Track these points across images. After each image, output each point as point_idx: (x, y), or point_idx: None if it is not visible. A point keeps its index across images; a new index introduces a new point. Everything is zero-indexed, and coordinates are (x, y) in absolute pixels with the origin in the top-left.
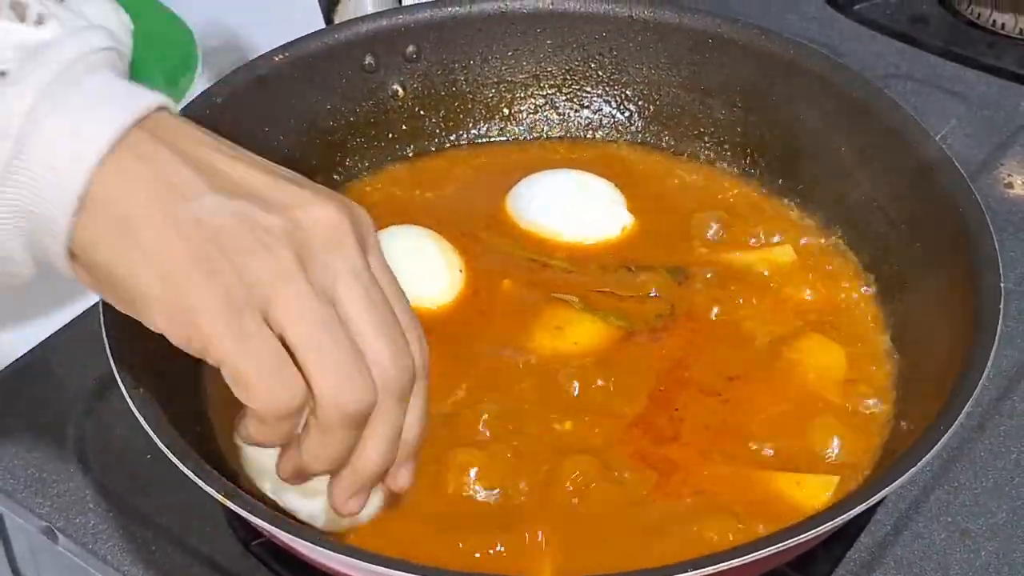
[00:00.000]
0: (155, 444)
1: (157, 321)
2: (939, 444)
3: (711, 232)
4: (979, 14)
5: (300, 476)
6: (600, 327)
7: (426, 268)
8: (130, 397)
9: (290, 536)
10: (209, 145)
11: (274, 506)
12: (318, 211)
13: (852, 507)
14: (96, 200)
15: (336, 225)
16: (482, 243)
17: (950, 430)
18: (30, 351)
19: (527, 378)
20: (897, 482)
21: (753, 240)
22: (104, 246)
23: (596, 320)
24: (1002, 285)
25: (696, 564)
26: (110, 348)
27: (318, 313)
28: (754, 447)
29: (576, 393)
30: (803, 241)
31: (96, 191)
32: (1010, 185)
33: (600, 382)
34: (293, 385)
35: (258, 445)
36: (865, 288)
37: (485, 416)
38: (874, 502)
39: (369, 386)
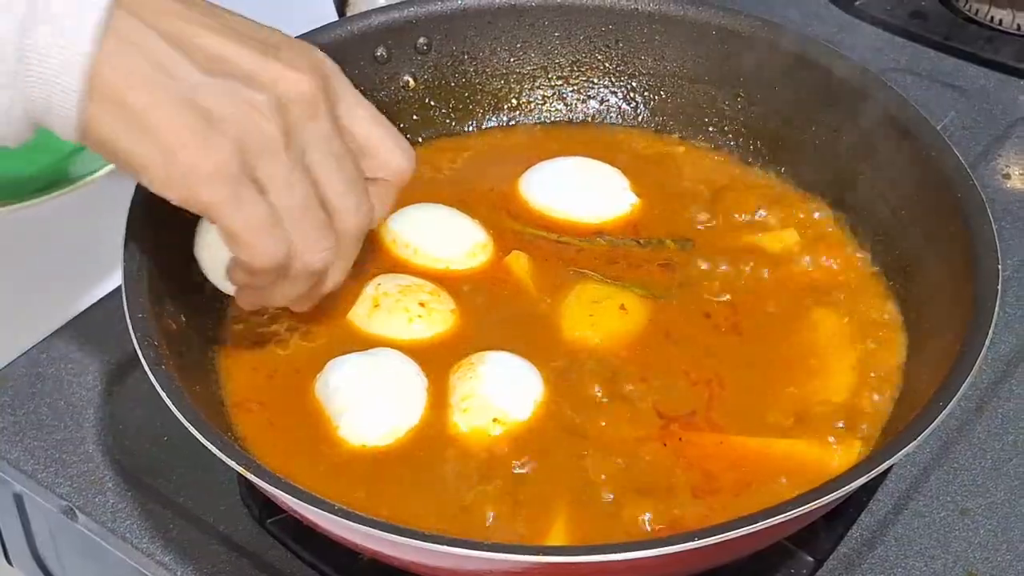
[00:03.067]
0: (172, 425)
1: (157, 187)
2: (935, 422)
3: (716, 215)
4: (977, 10)
5: (259, 306)
6: (623, 296)
7: (455, 233)
8: (153, 374)
9: (310, 508)
10: (185, 18)
11: None
12: (294, 84)
13: (836, 488)
14: (96, 88)
15: (311, 97)
16: (498, 223)
17: (948, 407)
18: (50, 335)
19: (556, 350)
20: (888, 462)
21: (758, 221)
22: (107, 126)
23: (619, 291)
24: (1000, 267)
25: (702, 534)
26: (133, 327)
27: (299, 185)
28: (772, 417)
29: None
30: (807, 224)
31: (95, 79)
32: (1007, 176)
33: (620, 346)
34: (280, 245)
35: (242, 290)
36: (869, 269)
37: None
38: (862, 482)
39: (332, 246)
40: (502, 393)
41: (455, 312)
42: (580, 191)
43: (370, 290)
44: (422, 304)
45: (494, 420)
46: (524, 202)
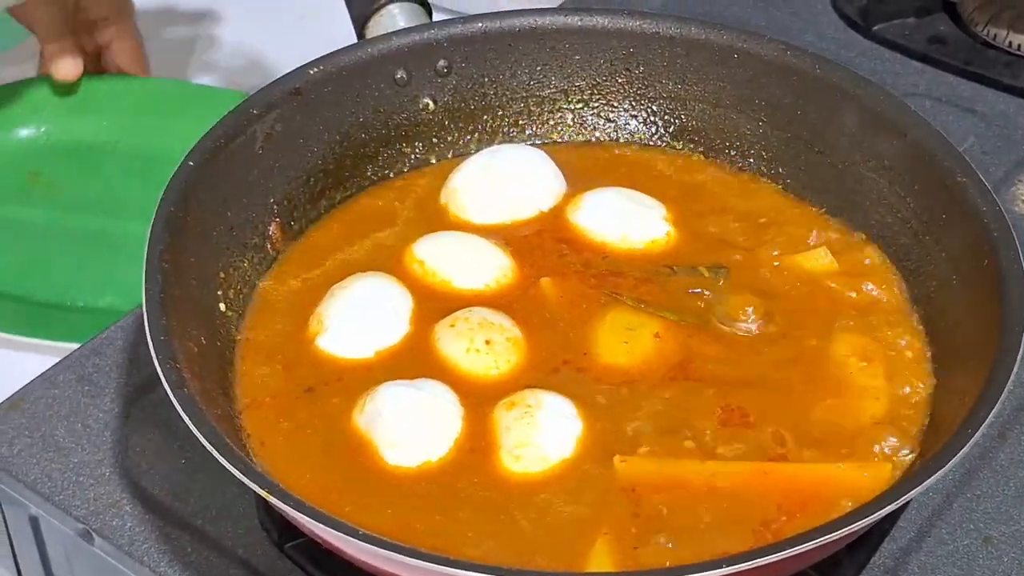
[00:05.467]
0: (190, 447)
1: None
2: (961, 453)
3: (747, 238)
4: (996, 35)
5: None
6: (656, 324)
7: (476, 258)
8: (175, 396)
9: (332, 532)
10: None
11: None
12: None
13: (858, 519)
14: None
15: None
16: (529, 244)
17: (974, 437)
18: (67, 357)
19: (592, 380)
20: (912, 492)
21: (789, 245)
22: None
23: (652, 318)
24: None
25: (722, 563)
26: (155, 349)
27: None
28: (806, 442)
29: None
30: (832, 248)
31: None
32: None
33: (653, 373)
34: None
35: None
36: (896, 293)
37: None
38: (886, 512)
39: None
40: (556, 443)
41: (511, 364)
42: (618, 217)
43: (461, 312)
44: (487, 342)
45: (541, 462)
46: (568, 226)
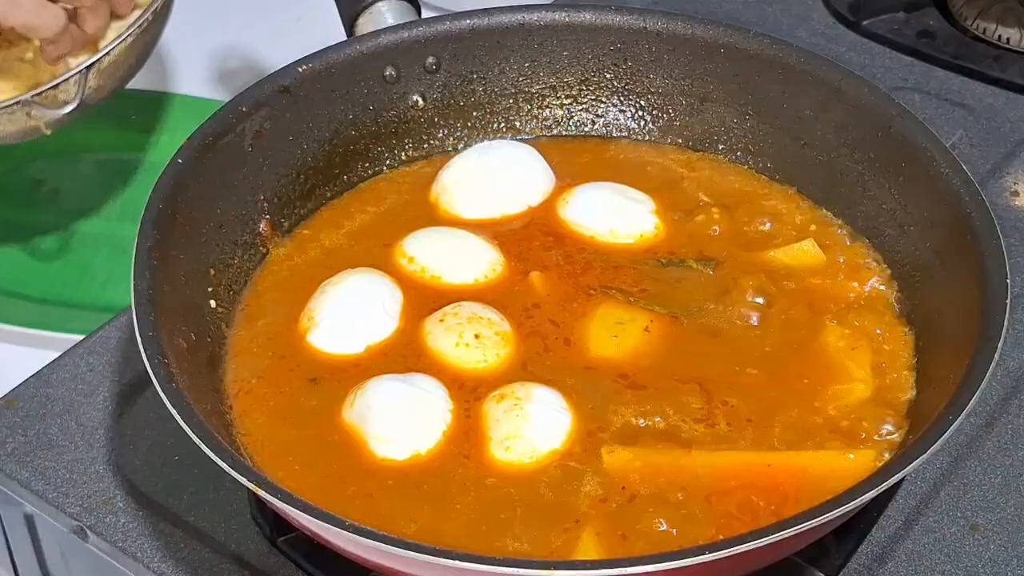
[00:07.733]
0: (183, 444)
1: None
2: (943, 438)
3: (733, 232)
4: (985, 28)
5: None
6: (646, 317)
7: (466, 253)
8: (164, 392)
9: (319, 523)
10: None
11: None
12: None
13: (841, 504)
14: None
15: None
16: (518, 239)
17: (955, 423)
18: (61, 356)
19: (582, 373)
20: (895, 477)
21: (772, 237)
22: None
23: (642, 312)
24: (1008, 283)
25: (710, 548)
26: (143, 346)
27: None
28: (792, 432)
29: (621, 380)
30: (820, 240)
31: None
32: (1016, 194)
33: (642, 366)
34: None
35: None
36: (882, 284)
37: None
38: (869, 498)
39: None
40: (545, 434)
41: (501, 358)
42: (608, 212)
43: (451, 307)
44: (477, 336)
45: (530, 453)
46: (558, 221)
